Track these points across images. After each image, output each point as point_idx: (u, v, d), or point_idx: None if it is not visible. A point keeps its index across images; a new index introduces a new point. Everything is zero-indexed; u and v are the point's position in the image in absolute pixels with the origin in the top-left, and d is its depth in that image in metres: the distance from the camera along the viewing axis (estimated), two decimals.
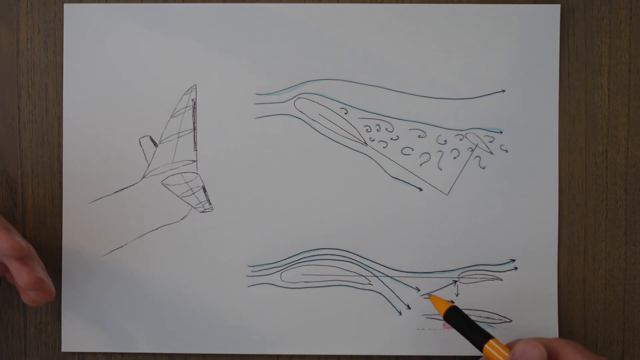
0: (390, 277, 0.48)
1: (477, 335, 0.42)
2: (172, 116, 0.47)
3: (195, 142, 0.48)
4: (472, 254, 0.47)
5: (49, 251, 0.48)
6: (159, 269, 0.48)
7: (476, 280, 0.47)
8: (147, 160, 0.48)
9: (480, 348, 0.42)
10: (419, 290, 0.48)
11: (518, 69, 0.47)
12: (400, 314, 0.48)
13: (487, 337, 0.42)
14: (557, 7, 0.47)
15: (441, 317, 0.47)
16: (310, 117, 0.48)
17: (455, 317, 0.44)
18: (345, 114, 0.48)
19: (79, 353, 0.48)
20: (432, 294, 0.47)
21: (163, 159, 0.48)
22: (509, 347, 0.42)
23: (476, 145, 0.47)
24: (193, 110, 0.47)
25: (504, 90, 0.47)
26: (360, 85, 0.47)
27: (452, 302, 0.46)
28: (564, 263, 0.48)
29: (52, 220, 0.48)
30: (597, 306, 0.48)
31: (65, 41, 0.48)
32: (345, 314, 0.48)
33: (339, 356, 0.48)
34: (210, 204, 0.48)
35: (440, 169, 0.48)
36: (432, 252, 0.47)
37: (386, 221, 0.47)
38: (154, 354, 0.48)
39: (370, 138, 0.48)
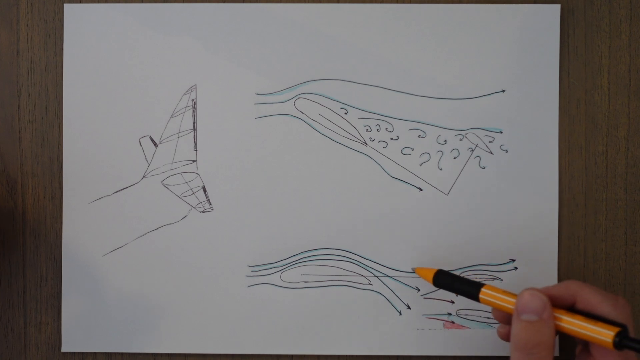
0: (390, 277, 0.47)
1: (470, 287, 0.43)
2: (172, 116, 0.47)
3: (195, 142, 0.48)
4: (472, 254, 0.47)
5: (49, 251, 0.48)
6: (158, 269, 0.48)
7: (476, 280, 0.47)
8: (147, 160, 0.48)
9: (477, 298, 0.43)
10: (419, 290, 0.48)
11: (518, 69, 0.47)
12: (400, 314, 0.48)
13: (480, 285, 0.43)
14: (557, 7, 0.47)
15: (442, 318, 0.47)
16: (310, 117, 0.48)
17: (444, 279, 0.44)
18: (345, 114, 0.48)
19: (79, 353, 0.48)
20: (415, 267, 0.47)
21: (163, 159, 0.48)
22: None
23: (476, 145, 0.47)
24: (193, 110, 0.47)
25: (503, 90, 0.47)
26: (360, 85, 0.47)
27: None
28: (564, 263, 0.48)
29: (52, 220, 0.48)
30: None
31: (65, 41, 0.48)
32: (345, 314, 0.48)
33: (339, 356, 0.48)
34: (210, 204, 0.48)
35: (440, 169, 0.48)
36: (432, 252, 0.47)
37: (386, 221, 0.47)
38: (154, 354, 0.48)
39: (370, 138, 0.48)
